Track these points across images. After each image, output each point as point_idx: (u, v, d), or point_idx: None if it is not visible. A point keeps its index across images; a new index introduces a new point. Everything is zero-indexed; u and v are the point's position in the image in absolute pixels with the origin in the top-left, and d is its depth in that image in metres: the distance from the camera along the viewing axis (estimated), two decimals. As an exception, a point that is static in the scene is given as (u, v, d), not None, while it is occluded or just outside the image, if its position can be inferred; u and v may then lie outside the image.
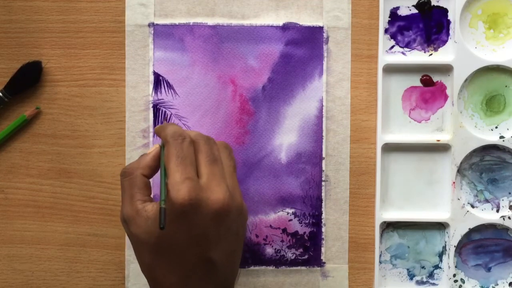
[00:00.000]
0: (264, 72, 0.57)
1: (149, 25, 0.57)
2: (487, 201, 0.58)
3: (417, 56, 0.57)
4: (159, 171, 0.48)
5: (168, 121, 0.57)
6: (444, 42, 0.57)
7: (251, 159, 0.57)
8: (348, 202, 0.57)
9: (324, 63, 0.57)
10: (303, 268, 0.58)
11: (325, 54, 0.57)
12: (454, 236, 0.57)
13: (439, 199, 0.58)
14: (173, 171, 0.44)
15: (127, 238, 0.57)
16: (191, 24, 0.57)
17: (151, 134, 0.57)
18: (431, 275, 0.58)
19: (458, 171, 0.57)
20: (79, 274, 0.58)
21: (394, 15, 0.57)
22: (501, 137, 0.57)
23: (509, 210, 0.58)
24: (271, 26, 0.57)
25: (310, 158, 0.57)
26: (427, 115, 0.58)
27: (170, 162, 0.45)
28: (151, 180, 0.49)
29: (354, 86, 0.57)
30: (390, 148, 0.57)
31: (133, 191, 0.47)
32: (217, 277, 0.46)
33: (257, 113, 0.57)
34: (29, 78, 0.57)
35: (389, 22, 0.57)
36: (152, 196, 0.49)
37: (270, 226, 0.57)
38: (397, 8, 0.57)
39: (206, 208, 0.44)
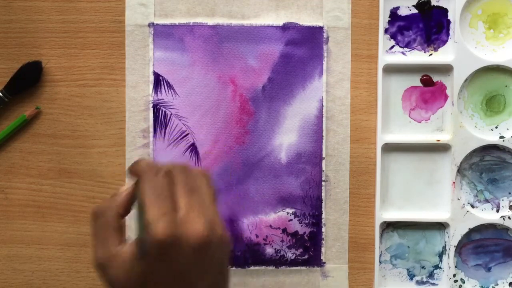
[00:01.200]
0: (264, 72, 0.57)
1: (149, 25, 0.57)
2: (487, 201, 0.58)
3: (417, 56, 0.57)
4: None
5: (168, 121, 0.57)
6: (444, 42, 0.57)
7: (251, 159, 0.57)
8: (348, 202, 0.57)
9: (324, 63, 0.57)
10: (303, 268, 0.58)
11: (325, 54, 0.57)
12: (454, 236, 0.57)
13: (439, 199, 0.58)
14: (149, 207, 0.42)
15: (127, 238, 0.57)
16: (191, 24, 0.57)
17: (151, 134, 0.57)
18: (431, 275, 0.58)
19: (458, 171, 0.57)
20: (79, 274, 0.58)
21: (394, 15, 0.57)
22: (501, 137, 0.57)
23: (509, 210, 0.58)
24: (271, 26, 0.57)
25: (310, 158, 0.57)
26: (427, 115, 0.58)
27: (145, 198, 0.43)
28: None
29: (354, 86, 0.57)
30: (390, 148, 0.57)
31: (107, 234, 0.44)
32: None
33: (257, 113, 0.57)
34: (29, 78, 0.57)
35: (389, 22, 0.57)
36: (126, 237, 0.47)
37: (270, 226, 0.57)
38: (397, 8, 0.57)
39: (186, 243, 0.42)
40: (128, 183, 0.46)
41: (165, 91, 0.57)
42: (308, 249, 0.58)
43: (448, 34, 0.57)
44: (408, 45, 0.57)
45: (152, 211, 0.42)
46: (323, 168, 0.57)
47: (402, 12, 0.57)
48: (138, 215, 0.43)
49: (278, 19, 0.57)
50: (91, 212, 0.45)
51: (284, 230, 0.58)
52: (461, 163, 0.57)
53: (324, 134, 0.57)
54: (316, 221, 0.57)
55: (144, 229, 0.42)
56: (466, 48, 0.56)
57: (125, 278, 0.43)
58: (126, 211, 0.46)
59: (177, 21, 0.57)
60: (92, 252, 0.44)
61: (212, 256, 0.44)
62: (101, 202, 0.45)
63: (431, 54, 0.57)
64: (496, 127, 0.57)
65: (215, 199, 0.46)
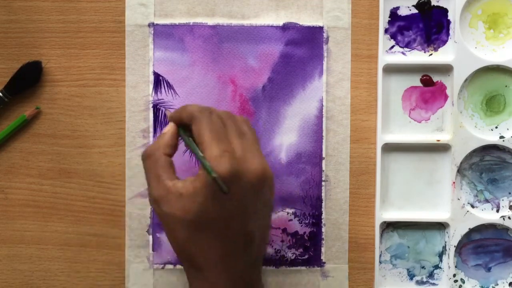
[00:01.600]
0: (264, 72, 0.57)
1: (149, 25, 0.57)
2: (487, 201, 0.58)
3: (417, 56, 0.57)
4: (184, 152, 0.48)
5: (168, 122, 0.57)
6: (444, 42, 0.57)
7: (251, 159, 0.57)
8: (348, 202, 0.57)
9: (324, 63, 0.57)
10: (303, 268, 0.58)
11: (325, 54, 0.57)
12: (454, 236, 0.57)
13: (439, 199, 0.58)
14: (209, 144, 0.44)
15: (127, 238, 0.57)
16: (191, 24, 0.57)
17: (151, 134, 0.57)
18: (431, 275, 0.58)
19: (458, 171, 0.57)
20: (79, 274, 0.58)
21: (394, 15, 0.57)
22: (501, 137, 0.57)
23: (509, 210, 0.58)
24: (271, 26, 0.57)
25: (310, 158, 0.57)
26: (427, 115, 0.58)
27: (204, 136, 0.44)
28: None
29: (354, 86, 0.57)
30: (390, 148, 0.57)
31: (158, 171, 0.46)
32: (254, 250, 0.47)
33: (257, 113, 0.57)
34: (29, 78, 0.57)
35: (389, 22, 0.57)
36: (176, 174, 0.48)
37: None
38: (397, 8, 0.57)
39: (246, 180, 0.44)
40: (169, 125, 0.48)
41: (165, 91, 0.57)
42: (308, 249, 0.58)
43: (448, 34, 0.57)
44: (408, 45, 0.57)
45: (212, 149, 0.44)
46: (323, 168, 0.57)
47: (402, 12, 0.57)
48: (198, 154, 0.45)
49: (278, 19, 0.57)
50: (142, 155, 0.48)
51: (284, 230, 0.58)
52: (461, 163, 0.57)
53: (324, 134, 0.57)
54: (316, 221, 0.57)
55: (208, 164, 0.43)
56: (466, 48, 0.56)
57: (181, 212, 0.45)
58: (172, 150, 0.48)
59: (177, 21, 0.57)
60: (148, 191, 0.47)
61: (265, 195, 0.47)
62: (149, 146, 0.48)
63: (431, 54, 0.57)
64: (496, 127, 0.57)
65: (259, 143, 0.48)
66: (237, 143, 0.45)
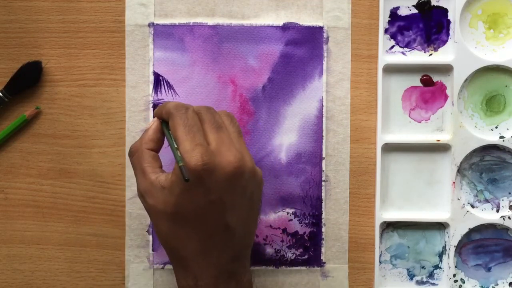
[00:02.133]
0: (264, 72, 0.57)
1: (149, 25, 0.57)
2: (487, 201, 0.58)
3: (417, 56, 0.57)
4: (166, 147, 0.49)
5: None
6: (444, 42, 0.57)
7: (251, 159, 0.57)
8: (348, 202, 0.57)
9: (324, 63, 0.57)
10: (303, 268, 0.58)
11: (325, 54, 0.57)
12: (454, 236, 0.57)
13: (439, 199, 0.58)
14: (183, 139, 0.45)
15: (127, 238, 0.57)
16: (191, 24, 0.57)
17: (151, 134, 0.57)
18: (431, 275, 0.58)
19: (458, 171, 0.57)
20: (79, 274, 0.58)
21: (394, 15, 0.57)
22: (501, 137, 0.57)
23: (509, 210, 0.58)
24: (271, 26, 0.57)
25: (310, 158, 0.57)
26: (427, 115, 0.58)
27: (178, 131, 0.46)
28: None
29: (354, 86, 0.57)
30: (390, 148, 0.57)
31: (143, 165, 0.48)
32: (234, 244, 0.47)
33: (257, 113, 0.57)
34: (29, 78, 0.57)
35: (389, 22, 0.57)
36: (162, 168, 0.49)
37: (270, 226, 0.57)
38: (397, 8, 0.57)
39: (220, 172, 0.45)
40: (152, 120, 0.50)
41: (165, 91, 0.57)
42: (308, 249, 0.58)
43: (448, 34, 0.57)
44: (408, 45, 0.57)
45: (185, 144, 0.45)
46: (323, 168, 0.57)
47: (402, 12, 0.57)
48: (173, 149, 0.46)
49: (278, 19, 0.57)
50: (128, 152, 0.49)
51: (284, 230, 0.58)
52: (461, 163, 0.57)
53: (324, 134, 0.57)
54: (316, 221, 0.57)
55: (180, 159, 0.45)
56: (466, 48, 0.56)
57: (161, 205, 0.46)
58: (156, 145, 0.50)
59: (177, 21, 0.57)
60: (137, 186, 0.48)
61: (243, 188, 0.47)
62: (134, 142, 0.50)
63: (431, 54, 0.57)
64: (496, 127, 0.57)
65: (241, 135, 0.49)
66: (213, 136, 0.46)
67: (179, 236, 0.47)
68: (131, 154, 0.49)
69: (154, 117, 0.51)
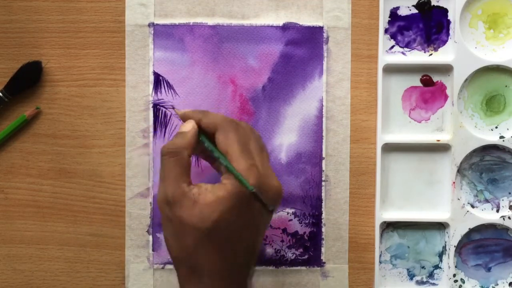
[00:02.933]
0: (264, 72, 0.57)
1: (149, 25, 0.57)
2: (487, 201, 0.58)
3: (417, 56, 0.57)
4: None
5: (168, 121, 0.57)
6: (444, 42, 0.57)
7: (251, 159, 0.57)
8: (348, 202, 0.57)
9: (324, 63, 0.57)
10: (303, 268, 0.58)
11: (325, 54, 0.57)
12: (454, 236, 0.57)
13: (439, 199, 0.58)
14: (238, 157, 0.44)
15: (127, 238, 0.57)
16: (191, 24, 0.57)
17: (151, 134, 0.57)
18: (431, 275, 0.58)
19: (458, 171, 0.57)
20: (79, 274, 0.58)
21: (394, 15, 0.57)
22: (501, 137, 0.57)
23: (509, 210, 0.58)
24: (271, 26, 0.57)
25: (310, 158, 0.57)
26: (427, 115, 0.58)
27: (232, 147, 0.44)
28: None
29: (354, 86, 0.57)
30: (390, 148, 0.57)
31: (179, 172, 0.45)
32: (253, 262, 0.47)
33: (257, 113, 0.57)
34: (29, 78, 0.57)
35: (389, 22, 0.57)
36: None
37: (270, 226, 0.57)
38: (397, 8, 0.57)
39: (266, 196, 0.44)
40: (188, 124, 0.47)
41: (165, 91, 0.57)
42: (308, 249, 0.58)
43: (448, 34, 0.57)
44: (408, 45, 0.57)
45: (242, 162, 0.44)
46: (323, 168, 0.57)
47: (402, 12, 0.57)
48: (228, 164, 0.44)
49: (278, 19, 0.57)
50: (164, 149, 0.46)
51: (284, 230, 0.58)
52: (461, 163, 0.57)
53: (324, 134, 0.57)
54: (316, 221, 0.57)
55: (239, 174, 0.43)
56: (466, 48, 0.56)
57: (195, 219, 0.44)
58: (193, 152, 0.47)
59: (177, 21, 0.57)
60: (160, 188, 0.45)
61: (274, 211, 0.46)
62: (170, 142, 0.47)
63: (431, 54, 0.57)
64: (496, 127, 0.57)
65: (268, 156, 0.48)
66: (259, 158, 0.45)
67: (205, 252, 0.44)
68: (167, 154, 0.46)
69: (182, 120, 0.48)
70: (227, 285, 0.45)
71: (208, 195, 0.44)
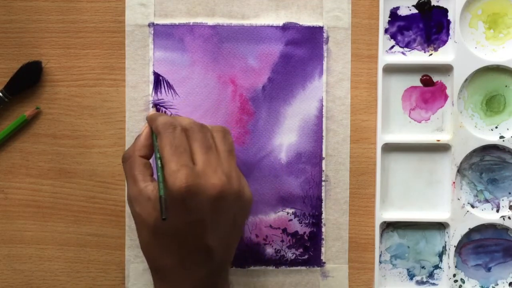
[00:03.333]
0: (264, 72, 0.57)
1: (149, 25, 0.57)
2: (487, 201, 0.58)
3: (417, 56, 0.57)
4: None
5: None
6: (444, 42, 0.57)
7: (251, 159, 0.57)
8: (348, 202, 0.57)
9: (324, 63, 0.57)
10: (303, 268, 0.58)
11: (325, 54, 0.57)
12: (454, 236, 0.57)
13: (439, 199, 0.58)
14: (168, 160, 0.45)
15: (127, 238, 0.57)
16: (191, 24, 0.57)
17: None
18: (431, 275, 0.58)
19: (458, 171, 0.57)
20: (79, 274, 0.58)
21: (394, 15, 0.57)
22: (501, 137, 0.57)
23: (509, 210, 0.58)
24: (271, 26, 0.57)
25: (310, 158, 0.57)
26: (427, 115, 0.58)
27: (164, 152, 0.46)
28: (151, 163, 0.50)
29: (354, 86, 0.57)
30: (390, 148, 0.57)
31: (134, 172, 0.48)
32: (212, 263, 0.47)
33: (257, 113, 0.57)
34: (29, 78, 0.57)
35: (389, 22, 0.57)
36: (153, 176, 0.49)
37: (270, 226, 0.57)
38: (397, 8, 0.57)
39: (203, 194, 0.45)
40: (145, 127, 0.50)
41: (165, 91, 0.57)
42: (308, 249, 0.58)
43: (448, 34, 0.57)
44: (408, 45, 0.57)
45: (171, 164, 0.45)
46: (323, 168, 0.57)
47: (402, 12, 0.57)
48: (158, 168, 0.46)
49: (278, 19, 0.57)
50: (122, 158, 0.50)
51: (284, 230, 0.58)
52: (461, 163, 0.57)
53: (324, 134, 0.57)
54: (316, 221, 0.57)
55: (163, 181, 0.45)
56: (466, 48, 0.56)
57: (146, 215, 0.47)
58: (148, 151, 0.50)
59: (177, 21, 0.57)
60: (127, 192, 0.49)
61: (227, 211, 0.47)
62: (127, 148, 0.50)
63: (431, 54, 0.57)
64: (496, 127, 0.57)
65: (232, 154, 0.49)
66: (201, 157, 0.46)
67: (157, 249, 0.47)
68: (124, 160, 0.49)
69: (146, 123, 0.51)
70: (190, 281, 0.47)
71: (154, 192, 0.46)
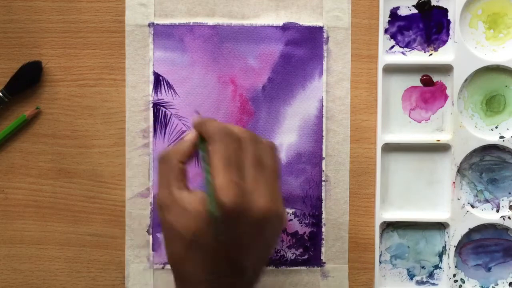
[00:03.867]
0: (264, 72, 0.57)
1: (149, 25, 0.57)
2: (487, 201, 0.58)
3: (417, 56, 0.57)
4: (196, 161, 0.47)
5: (168, 121, 0.57)
6: (444, 42, 0.57)
7: (251, 159, 0.57)
8: (348, 202, 0.57)
9: (324, 63, 0.57)
10: (303, 268, 0.58)
11: (325, 54, 0.57)
12: (454, 236, 0.57)
13: (439, 199, 0.58)
14: (219, 171, 0.43)
15: (127, 238, 0.57)
16: (191, 24, 0.57)
17: (151, 134, 0.57)
18: (431, 275, 0.58)
19: (458, 171, 0.57)
20: (79, 274, 0.58)
21: (394, 15, 0.57)
22: (501, 137, 0.57)
23: (509, 210, 0.58)
24: (271, 26, 0.57)
25: (310, 158, 0.57)
26: (427, 115, 0.58)
27: (215, 161, 0.43)
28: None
29: (354, 86, 0.57)
30: (390, 148, 0.57)
31: (170, 178, 0.45)
32: (243, 280, 0.45)
33: (257, 113, 0.57)
34: (29, 78, 0.57)
35: (389, 22, 0.57)
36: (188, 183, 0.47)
37: (270, 226, 0.57)
38: (397, 8, 0.57)
39: (248, 216, 0.43)
40: (192, 132, 0.47)
41: (165, 91, 0.57)
42: (308, 249, 0.58)
43: (448, 34, 0.57)
44: (408, 45, 0.57)
45: (221, 177, 0.42)
46: (323, 168, 0.57)
47: (402, 12, 0.57)
48: (205, 173, 0.43)
49: (278, 19, 0.57)
50: (158, 156, 0.47)
51: (284, 230, 0.57)
52: (461, 163, 0.57)
53: (324, 134, 0.57)
54: (316, 221, 0.57)
55: (212, 192, 0.42)
56: (466, 48, 0.56)
57: (181, 227, 0.44)
58: (189, 159, 0.46)
59: (177, 21, 0.57)
60: (157, 193, 0.46)
61: (267, 234, 0.45)
62: (165, 149, 0.47)
63: (431, 54, 0.57)
64: (496, 127, 0.57)
65: (278, 174, 0.47)
66: (251, 173, 0.44)
67: (190, 263, 0.44)
68: (161, 161, 0.46)
69: (192, 127, 0.47)
70: None
71: (195, 204, 0.43)
